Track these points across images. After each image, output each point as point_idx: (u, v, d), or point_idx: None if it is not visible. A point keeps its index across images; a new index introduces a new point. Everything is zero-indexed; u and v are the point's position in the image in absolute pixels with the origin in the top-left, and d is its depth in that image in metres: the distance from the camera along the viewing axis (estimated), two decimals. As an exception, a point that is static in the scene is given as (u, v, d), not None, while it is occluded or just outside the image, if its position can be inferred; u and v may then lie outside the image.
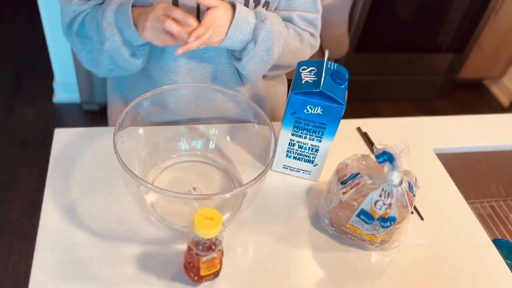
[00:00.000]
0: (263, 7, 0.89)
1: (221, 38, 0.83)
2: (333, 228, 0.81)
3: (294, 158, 0.88)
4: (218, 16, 0.81)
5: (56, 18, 1.86)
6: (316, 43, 1.01)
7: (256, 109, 0.84)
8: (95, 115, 2.26)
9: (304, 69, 0.84)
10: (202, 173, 0.89)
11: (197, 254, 0.66)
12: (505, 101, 2.77)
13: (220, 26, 0.82)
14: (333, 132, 0.83)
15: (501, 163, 1.16)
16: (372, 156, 0.78)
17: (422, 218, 0.88)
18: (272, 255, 0.77)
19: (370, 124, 1.07)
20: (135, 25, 0.80)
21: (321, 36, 1.01)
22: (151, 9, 0.78)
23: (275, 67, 0.98)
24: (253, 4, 0.88)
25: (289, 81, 1.10)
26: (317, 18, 0.98)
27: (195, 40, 0.78)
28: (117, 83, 1.05)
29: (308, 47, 0.99)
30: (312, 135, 0.84)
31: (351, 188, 0.75)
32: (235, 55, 0.91)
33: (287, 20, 0.95)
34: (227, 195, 0.72)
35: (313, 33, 0.99)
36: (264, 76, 1.04)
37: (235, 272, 0.74)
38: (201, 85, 0.96)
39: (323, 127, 0.82)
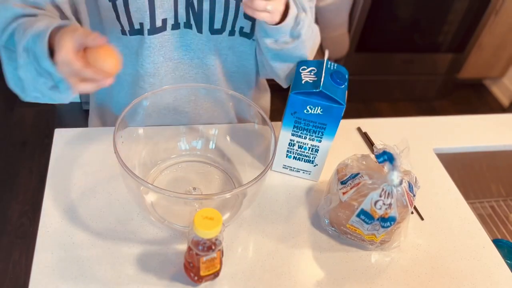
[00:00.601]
0: None
1: (282, 8, 0.78)
2: (333, 228, 0.81)
3: (294, 158, 0.88)
4: None
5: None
6: (318, 31, 0.97)
7: (256, 109, 0.84)
8: (95, 115, 2.25)
9: (304, 69, 0.84)
10: (202, 173, 0.89)
11: (197, 254, 0.66)
12: (505, 101, 2.77)
13: None
14: (333, 132, 0.83)
15: (501, 163, 1.16)
16: (372, 156, 0.78)
17: (422, 218, 0.88)
18: (272, 255, 0.77)
19: (370, 124, 1.07)
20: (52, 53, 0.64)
21: (321, 36, 1.00)
22: (56, 49, 0.63)
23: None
24: None
25: (272, 86, 1.10)
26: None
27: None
28: (94, 92, 1.02)
29: (316, 30, 0.94)
30: (312, 135, 0.84)
31: (351, 188, 0.75)
32: (290, 36, 0.83)
33: None
34: (227, 195, 0.72)
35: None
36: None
37: (235, 272, 0.74)
38: (201, 85, 0.95)
39: (323, 127, 0.82)
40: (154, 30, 0.83)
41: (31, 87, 0.71)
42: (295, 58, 0.87)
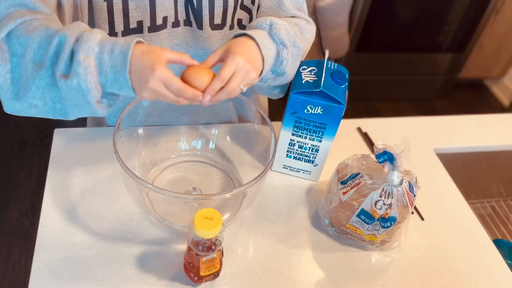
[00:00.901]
0: None
1: (258, 70, 0.73)
2: (333, 228, 0.81)
3: (294, 158, 0.88)
4: (238, 60, 0.68)
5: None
6: (313, 27, 0.93)
7: (256, 109, 0.84)
8: (95, 115, 2.25)
9: (304, 69, 0.84)
10: (202, 173, 0.89)
11: (197, 254, 0.66)
12: (505, 101, 2.77)
13: (249, 64, 0.70)
14: (333, 132, 0.83)
15: (501, 163, 1.16)
16: (372, 156, 0.78)
17: (422, 218, 0.88)
18: (272, 255, 0.77)
19: (370, 124, 1.07)
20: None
21: (321, 36, 1.00)
22: (147, 66, 0.62)
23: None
24: None
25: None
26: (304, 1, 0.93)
27: (211, 96, 0.67)
28: None
29: (310, 35, 0.91)
30: (313, 135, 0.84)
31: (351, 188, 0.75)
32: (275, 75, 0.81)
33: (278, 4, 0.89)
34: (227, 195, 0.72)
35: (307, 18, 0.91)
36: None
37: (235, 273, 0.74)
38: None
39: (323, 127, 0.82)
40: (154, 28, 0.83)
41: (39, 93, 0.64)
42: (284, 85, 0.87)
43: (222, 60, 0.70)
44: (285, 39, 0.77)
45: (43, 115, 0.68)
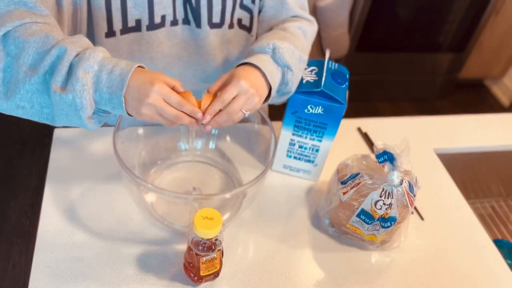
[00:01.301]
0: None
1: (262, 96, 0.74)
2: (333, 229, 0.81)
3: (295, 158, 0.88)
4: (242, 84, 0.69)
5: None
6: (315, 27, 0.93)
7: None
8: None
9: (305, 69, 0.84)
10: (202, 173, 0.89)
11: (197, 255, 0.66)
12: (505, 101, 2.77)
13: (253, 89, 0.71)
14: (333, 132, 0.83)
15: (501, 163, 1.16)
16: (372, 156, 0.78)
17: (422, 218, 0.88)
18: (272, 255, 0.77)
19: (370, 124, 1.07)
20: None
21: (321, 36, 1.00)
22: (143, 91, 0.62)
23: None
24: None
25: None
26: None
27: (211, 116, 0.68)
28: None
29: (312, 36, 0.91)
30: (313, 135, 0.84)
31: (351, 188, 0.75)
32: (281, 94, 0.81)
33: (280, 3, 0.89)
34: (227, 195, 0.72)
35: (309, 18, 0.92)
36: None
37: (235, 273, 0.74)
38: (202, 85, 0.95)
39: (323, 126, 0.82)
40: (152, 27, 0.83)
41: (27, 97, 0.63)
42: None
43: (226, 85, 0.70)
44: (289, 61, 0.77)
45: (29, 117, 0.68)
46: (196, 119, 0.67)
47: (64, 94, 0.61)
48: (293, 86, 0.80)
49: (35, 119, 0.68)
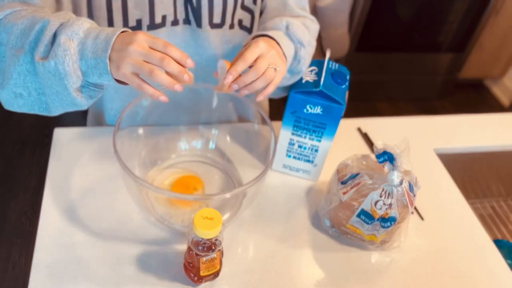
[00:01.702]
0: None
1: (284, 62, 0.73)
2: (333, 229, 0.81)
3: (294, 157, 0.88)
4: (261, 45, 0.68)
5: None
6: (318, 26, 0.93)
7: (256, 108, 0.84)
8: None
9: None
10: (202, 173, 0.89)
11: (197, 255, 0.66)
12: (505, 101, 2.77)
13: (274, 50, 0.70)
14: (332, 132, 0.83)
15: (501, 163, 1.16)
16: (372, 156, 0.78)
17: (422, 218, 0.88)
18: (272, 255, 0.77)
19: (370, 124, 1.07)
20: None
21: (321, 36, 1.00)
22: (126, 40, 0.60)
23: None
24: None
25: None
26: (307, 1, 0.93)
27: (234, 77, 0.66)
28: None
29: (316, 34, 0.91)
30: (312, 135, 0.84)
31: (351, 188, 0.75)
32: (290, 74, 0.81)
33: (283, 4, 0.89)
34: (227, 195, 0.72)
35: (311, 18, 0.92)
36: None
37: (235, 273, 0.74)
38: (202, 85, 0.95)
39: (323, 126, 0.82)
40: (153, 27, 0.83)
41: (20, 81, 0.63)
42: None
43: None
44: (302, 38, 0.78)
45: (29, 109, 0.67)
46: (184, 67, 0.63)
47: (47, 62, 0.60)
48: (304, 65, 0.80)
49: (35, 109, 0.67)
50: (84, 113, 1.14)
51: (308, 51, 0.82)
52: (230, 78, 0.66)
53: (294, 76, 0.82)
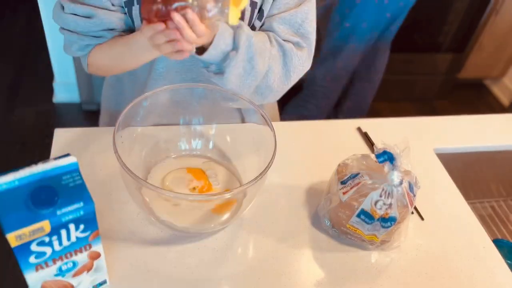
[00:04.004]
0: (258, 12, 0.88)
1: (208, 40, 0.79)
2: (333, 229, 0.81)
3: None
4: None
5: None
6: (303, 53, 0.90)
7: (256, 109, 0.84)
8: (95, 115, 2.25)
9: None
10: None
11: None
12: (505, 101, 2.77)
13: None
14: None
15: (501, 163, 1.16)
16: (372, 156, 0.78)
17: (422, 218, 0.88)
18: (272, 255, 0.77)
19: (370, 124, 1.07)
20: None
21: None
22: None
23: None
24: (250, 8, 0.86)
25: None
26: (306, 24, 0.90)
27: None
28: (109, 90, 1.05)
29: (294, 61, 0.90)
30: None
31: (351, 188, 0.75)
32: (216, 69, 0.86)
33: (269, 27, 0.90)
34: (227, 195, 0.72)
35: (299, 42, 0.90)
36: None
37: (235, 272, 0.74)
38: (201, 85, 0.95)
39: None
40: None
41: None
42: (264, 91, 0.90)
43: None
44: (241, 44, 0.81)
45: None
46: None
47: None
48: (229, 68, 0.82)
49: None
50: (85, 113, 1.15)
51: (242, 60, 0.83)
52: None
53: (217, 75, 0.85)
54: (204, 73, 0.92)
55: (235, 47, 0.82)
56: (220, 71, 0.85)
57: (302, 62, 0.91)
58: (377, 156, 0.72)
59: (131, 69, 0.94)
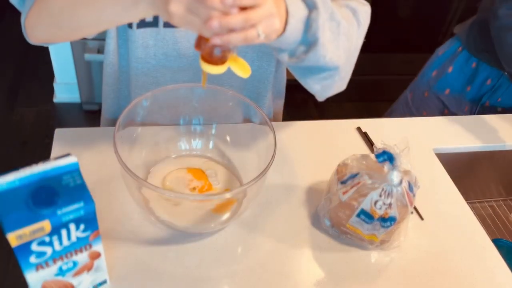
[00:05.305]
0: None
1: (281, 24, 0.63)
2: (333, 228, 0.81)
3: None
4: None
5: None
6: (367, 8, 0.84)
7: (256, 109, 0.84)
8: (95, 115, 2.25)
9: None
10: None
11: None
12: (505, 101, 2.77)
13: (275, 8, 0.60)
14: None
15: (501, 163, 1.16)
16: (372, 156, 0.78)
17: (422, 218, 0.88)
18: (272, 255, 0.77)
19: (370, 124, 1.07)
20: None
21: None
22: None
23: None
24: None
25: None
26: None
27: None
28: (111, 90, 1.05)
29: (364, 15, 0.82)
30: None
31: (351, 188, 0.75)
32: (306, 44, 0.69)
33: None
34: (227, 195, 0.72)
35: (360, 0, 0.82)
36: None
37: (235, 272, 0.74)
38: (213, 87, 0.95)
39: None
40: (170, 24, 0.82)
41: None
42: (324, 68, 0.73)
43: None
44: (318, 2, 0.67)
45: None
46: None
47: None
48: (318, 32, 0.67)
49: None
50: (85, 113, 1.15)
51: (327, 20, 0.69)
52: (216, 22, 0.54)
53: (312, 48, 0.68)
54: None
55: (312, 7, 0.67)
56: (311, 43, 0.68)
57: (367, 16, 0.83)
58: (377, 156, 0.72)
59: (86, 34, 0.72)
